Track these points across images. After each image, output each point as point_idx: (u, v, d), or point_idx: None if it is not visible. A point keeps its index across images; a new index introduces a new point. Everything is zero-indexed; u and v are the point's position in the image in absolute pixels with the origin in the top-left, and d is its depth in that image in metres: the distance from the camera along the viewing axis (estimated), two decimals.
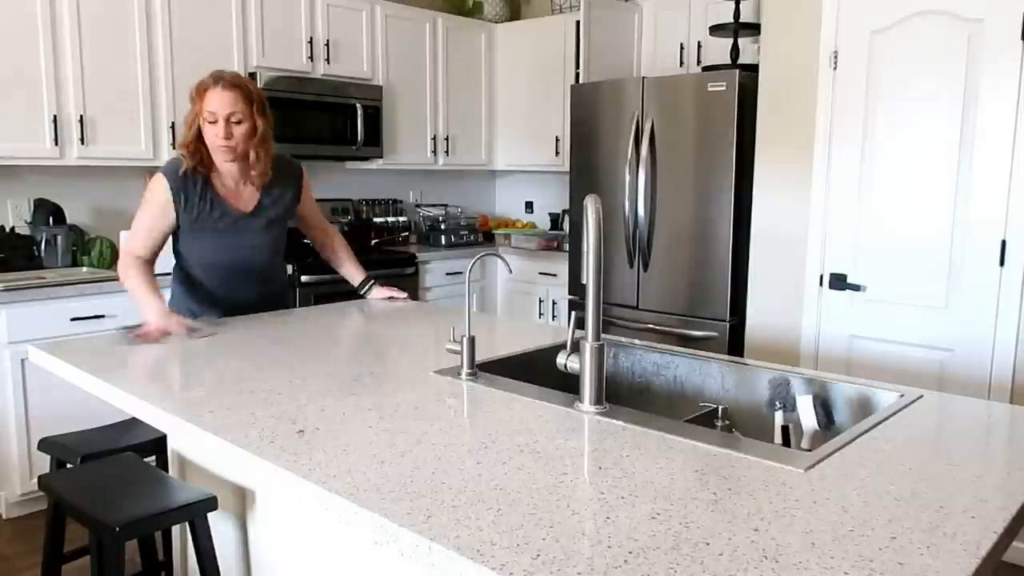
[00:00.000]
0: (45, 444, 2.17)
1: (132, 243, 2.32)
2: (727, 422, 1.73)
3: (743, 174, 3.43)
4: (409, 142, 4.79)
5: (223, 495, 1.87)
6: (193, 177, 2.28)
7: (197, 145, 2.25)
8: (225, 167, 2.30)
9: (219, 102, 2.19)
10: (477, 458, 1.25)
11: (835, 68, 3.06)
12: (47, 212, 3.57)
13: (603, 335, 1.55)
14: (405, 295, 2.72)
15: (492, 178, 5.77)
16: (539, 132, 4.98)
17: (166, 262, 2.43)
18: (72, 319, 3.17)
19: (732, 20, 3.71)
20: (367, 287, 2.71)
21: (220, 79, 2.21)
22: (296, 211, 2.55)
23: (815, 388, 1.77)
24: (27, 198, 3.60)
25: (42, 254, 3.53)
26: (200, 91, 2.21)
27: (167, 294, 2.39)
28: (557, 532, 0.99)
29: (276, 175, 2.40)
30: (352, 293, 2.75)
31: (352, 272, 2.72)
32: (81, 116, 3.41)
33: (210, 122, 2.19)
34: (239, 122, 2.22)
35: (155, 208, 2.30)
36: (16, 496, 3.15)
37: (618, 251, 3.85)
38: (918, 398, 1.61)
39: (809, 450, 1.43)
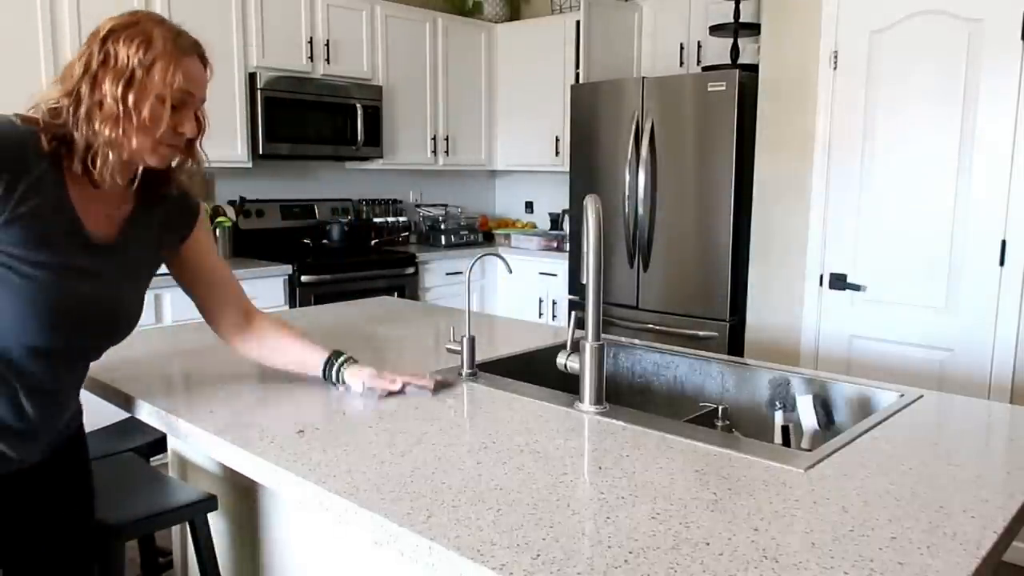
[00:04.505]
0: None
1: None
2: (727, 422, 1.73)
3: (743, 174, 3.42)
4: (409, 142, 4.79)
5: (223, 495, 1.87)
6: (46, 163, 1.25)
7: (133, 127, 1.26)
8: (113, 166, 1.27)
9: (200, 79, 1.34)
10: (477, 458, 1.25)
11: (835, 68, 3.06)
12: None
13: (603, 335, 1.55)
14: (425, 382, 1.62)
15: (492, 178, 5.77)
16: (539, 132, 4.98)
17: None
18: None
19: (732, 20, 3.71)
20: (339, 366, 1.62)
21: (193, 41, 1.34)
22: (181, 255, 1.54)
23: (815, 388, 1.77)
24: None
25: None
26: (170, 51, 1.27)
27: None
28: (557, 532, 0.99)
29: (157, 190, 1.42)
30: (353, 294, 2.69)
31: (309, 351, 1.65)
32: None
33: (174, 104, 1.28)
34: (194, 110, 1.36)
35: None
36: None
37: (618, 251, 3.85)
38: (918, 398, 1.61)
39: (809, 450, 1.43)
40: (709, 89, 3.46)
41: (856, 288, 3.09)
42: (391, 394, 1.58)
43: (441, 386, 1.64)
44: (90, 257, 1.31)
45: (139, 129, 1.26)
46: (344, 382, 1.60)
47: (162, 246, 1.49)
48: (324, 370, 1.61)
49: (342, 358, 1.62)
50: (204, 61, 1.36)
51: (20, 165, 1.21)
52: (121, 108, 1.24)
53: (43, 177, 1.24)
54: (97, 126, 1.23)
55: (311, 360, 1.63)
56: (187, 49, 1.31)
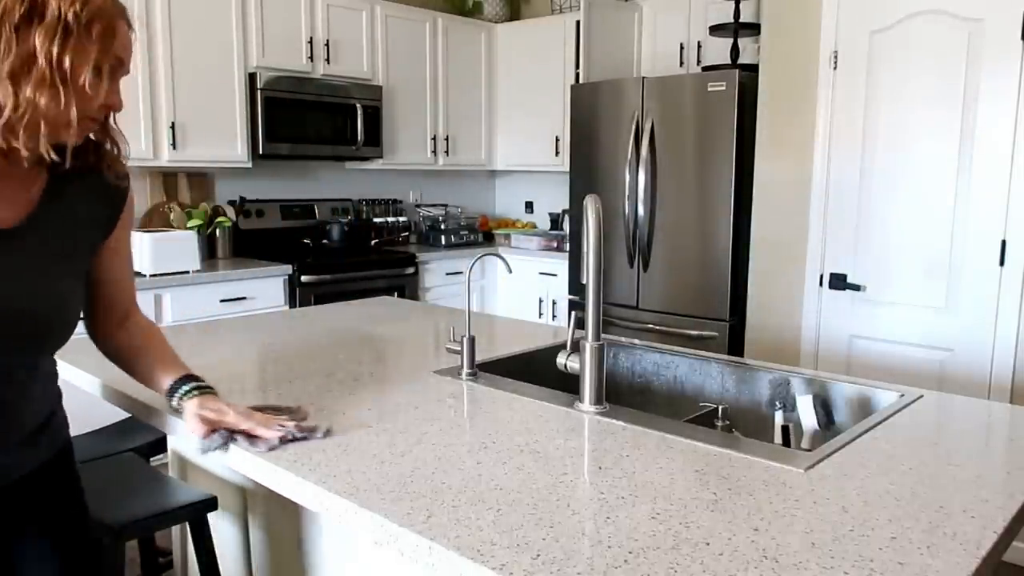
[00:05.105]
0: None
1: None
2: (727, 422, 1.73)
3: (743, 174, 3.42)
4: (409, 142, 4.79)
5: (223, 495, 1.87)
6: None
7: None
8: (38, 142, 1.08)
9: (131, 46, 1.20)
10: (477, 458, 1.25)
11: (835, 68, 3.06)
12: None
13: (603, 335, 1.55)
14: (274, 436, 1.29)
15: (492, 178, 5.77)
16: (539, 132, 4.98)
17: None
18: None
19: (732, 20, 3.71)
20: (183, 394, 1.33)
21: (123, 5, 1.17)
22: (101, 249, 1.30)
23: (815, 388, 1.77)
24: None
25: None
26: (109, 10, 1.11)
27: None
28: (557, 532, 0.99)
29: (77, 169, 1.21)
30: (353, 293, 2.69)
31: (161, 372, 1.37)
32: None
33: (110, 76, 1.16)
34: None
35: None
36: None
37: (618, 251, 3.85)
38: (918, 398, 1.61)
39: (809, 450, 1.43)
40: (709, 89, 3.46)
41: (856, 288, 3.08)
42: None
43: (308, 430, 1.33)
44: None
45: (75, 98, 1.07)
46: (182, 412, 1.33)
47: (93, 228, 1.27)
48: (169, 394, 1.34)
49: (191, 385, 1.33)
50: (130, 27, 1.19)
51: None
52: (57, 72, 1.04)
53: None
54: (29, 92, 1.03)
55: (161, 381, 1.36)
56: (122, 10, 1.15)
